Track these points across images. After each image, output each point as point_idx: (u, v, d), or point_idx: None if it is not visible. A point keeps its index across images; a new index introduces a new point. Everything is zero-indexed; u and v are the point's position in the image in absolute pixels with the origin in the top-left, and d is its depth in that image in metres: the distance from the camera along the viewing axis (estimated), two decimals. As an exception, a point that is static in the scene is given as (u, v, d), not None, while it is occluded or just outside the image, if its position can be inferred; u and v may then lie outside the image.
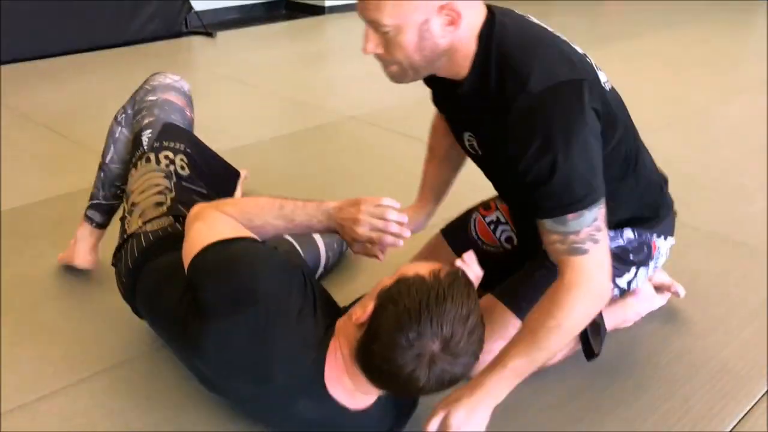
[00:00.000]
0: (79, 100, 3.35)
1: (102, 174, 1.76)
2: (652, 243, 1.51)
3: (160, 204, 1.51)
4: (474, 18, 1.21)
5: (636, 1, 5.87)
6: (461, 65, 1.24)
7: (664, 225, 1.53)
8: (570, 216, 1.21)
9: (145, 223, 1.49)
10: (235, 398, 1.31)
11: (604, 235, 1.24)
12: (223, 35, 4.71)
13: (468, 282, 1.15)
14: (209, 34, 4.67)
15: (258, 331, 1.16)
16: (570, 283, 1.22)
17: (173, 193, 1.53)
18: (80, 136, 2.72)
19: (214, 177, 1.63)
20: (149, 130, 1.63)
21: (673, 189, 1.55)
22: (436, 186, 1.70)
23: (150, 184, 1.54)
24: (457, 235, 1.67)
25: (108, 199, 1.78)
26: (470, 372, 1.15)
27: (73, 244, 1.84)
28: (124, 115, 1.73)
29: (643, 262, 1.51)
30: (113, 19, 4.33)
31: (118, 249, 1.53)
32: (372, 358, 1.10)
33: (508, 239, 1.64)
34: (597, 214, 1.22)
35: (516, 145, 1.21)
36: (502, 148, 1.25)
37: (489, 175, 1.47)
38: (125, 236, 1.51)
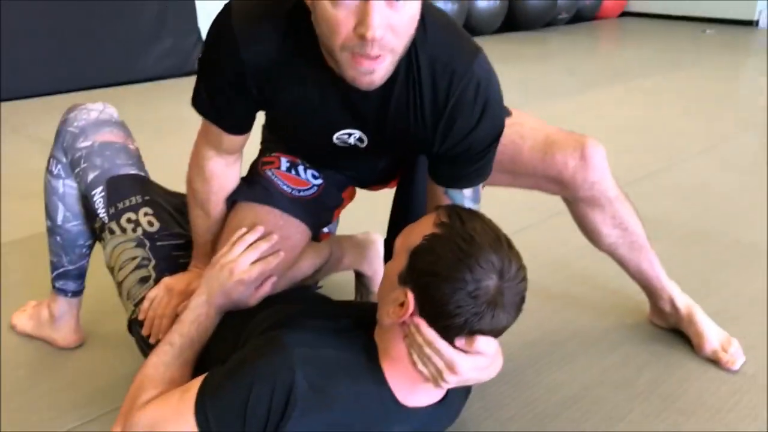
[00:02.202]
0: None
1: (58, 238, 1.54)
2: None
3: (144, 279, 1.40)
4: None
5: (627, 45, 6.00)
6: None
7: None
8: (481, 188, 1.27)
9: (136, 305, 1.40)
10: None
11: None
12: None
13: (469, 210, 1.12)
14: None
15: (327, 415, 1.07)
16: None
17: (153, 261, 1.42)
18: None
19: (176, 210, 1.51)
20: (99, 189, 1.45)
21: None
22: (210, 244, 1.41)
23: (125, 258, 1.43)
24: (274, 195, 1.39)
25: (75, 263, 1.57)
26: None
27: (46, 320, 1.62)
28: (59, 166, 1.49)
29: None
30: (126, 57, 4.40)
31: (129, 327, 1.44)
32: (449, 332, 1.04)
33: (314, 175, 1.45)
34: None
35: (461, 122, 1.15)
36: (415, 132, 1.18)
37: (361, 157, 1.33)
38: (129, 319, 1.43)
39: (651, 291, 1.68)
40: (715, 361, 1.60)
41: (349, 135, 1.24)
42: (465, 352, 1.06)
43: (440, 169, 1.26)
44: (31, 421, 1.40)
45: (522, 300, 1.08)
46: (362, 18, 0.95)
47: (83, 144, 1.46)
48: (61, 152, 1.48)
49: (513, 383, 1.52)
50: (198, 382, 1.11)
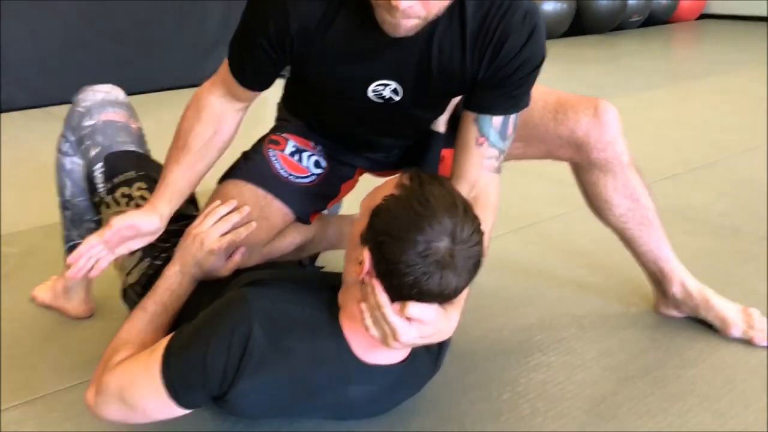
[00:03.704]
0: (158, 126, 3.55)
1: (67, 213, 1.63)
2: None
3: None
4: None
5: (701, 47, 5.87)
6: None
7: None
8: (512, 123, 1.28)
9: (126, 275, 1.47)
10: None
11: None
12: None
13: (431, 174, 1.13)
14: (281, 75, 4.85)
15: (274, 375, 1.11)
16: (495, 205, 1.30)
17: None
18: (155, 153, 2.85)
19: None
20: (99, 164, 1.52)
21: None
22: (182, 187, 1.35)
23: None
24: (265, 176, 1.43)
25: (85, 236, 1.54)
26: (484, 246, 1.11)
27: (60, 291, 1.70)
28: (67, 144, 1.58)
29: None
30: (191, 61, 4.58)
31: (123, 296, 1.50)
32: (400, 291, 1.06)
33: (317, 163, 1.49)
34: None
35: (509, 48, 1.18)
36: (460, 68, 1.21)
37: (390, 118, 1.35)
38: (122, 288, 1.49)
39: (660, 274, 1.64)
40: (747, 341, 1.56)
41: (385, 86, 1.26)
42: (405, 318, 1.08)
43: (476, 95, 1.27)
44: (32, 379, 1.49)
45: (476, 265, 1.09)
46: None
47: (88, 123, 1.54)
48: (69, 131, 1.57)
49: (499, 364, 1.52)
50: (165, 341, 1.15)
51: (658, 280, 1.65)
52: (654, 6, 7.03)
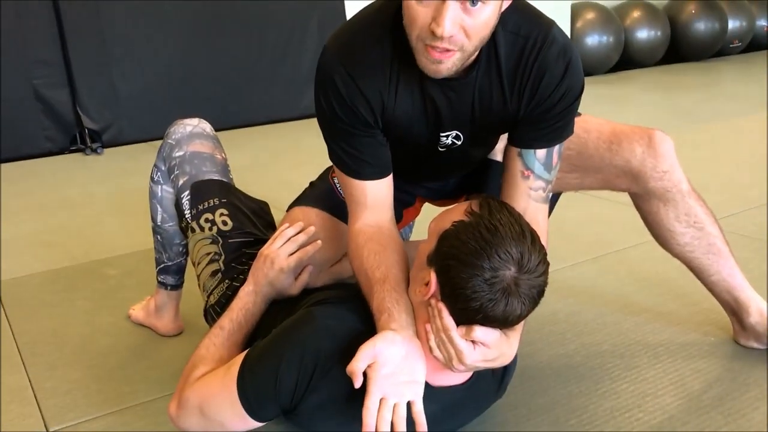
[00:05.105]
0: (253, 157, 3.79)
1: (159, 237, 1.74)
2: None
3: (215, 272, 1.54)
4: None
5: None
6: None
7: None
8: (556, 153, 1.29)
9: (208, 296, 1.55)
10: None
11: None
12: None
13: (500, 202, 1.17)
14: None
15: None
16: (544, 234, 1.28)
17: (223, 256, 1.54)
18: (248, 181, 3.01)
19: (252, 213, 1.65)
20: (186, 193, 1.62)
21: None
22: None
23: (202, 254, 1.57)
24: (329, 201, 1.50)
25: (173, 259, 1.76)
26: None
27: (152, 310, 1.84)
28: (159, 173, 1.69)
29: None
30: (287, 97, 4.78)
31: (205, 316, 1.58)
32: (465, 315, 1.10)
33: None
34: None
35: (548, 84, 1.22)
36: (507, 106, 1.25)
37: (451, 160, 1.39)
38: (204, 308, 1.58)
39: (735, 304, 1.59)
40: None
41: (447, 136, 1.32)
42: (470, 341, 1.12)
43: (518, 130, 1.30)
44: (123, 390, 1.60)
45: (540, 293, 1.12)
46: (436, 16, 1.07)
47: (177, 153, 1.66)
48: (161, 161, 1.70)
49: (568, 390, 1.51)
50: (241, 357, 1.23)
51: (734, 309, 1.60)
52: (757, 30, 6.80)
